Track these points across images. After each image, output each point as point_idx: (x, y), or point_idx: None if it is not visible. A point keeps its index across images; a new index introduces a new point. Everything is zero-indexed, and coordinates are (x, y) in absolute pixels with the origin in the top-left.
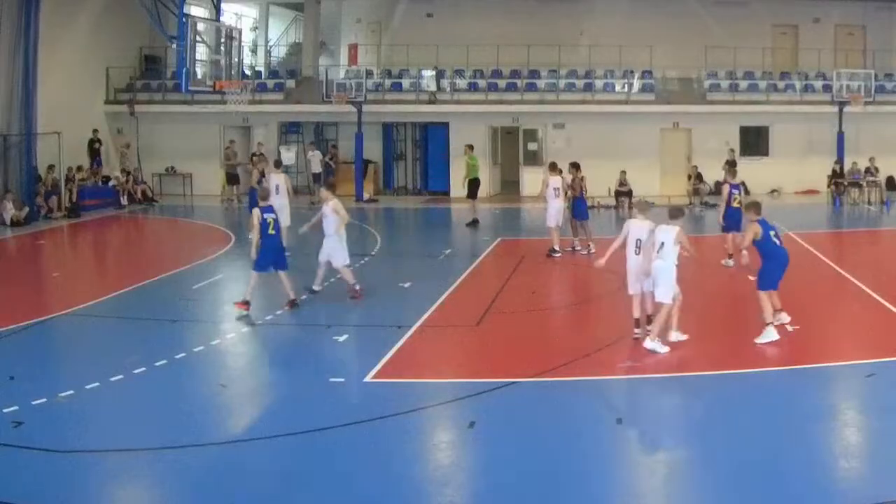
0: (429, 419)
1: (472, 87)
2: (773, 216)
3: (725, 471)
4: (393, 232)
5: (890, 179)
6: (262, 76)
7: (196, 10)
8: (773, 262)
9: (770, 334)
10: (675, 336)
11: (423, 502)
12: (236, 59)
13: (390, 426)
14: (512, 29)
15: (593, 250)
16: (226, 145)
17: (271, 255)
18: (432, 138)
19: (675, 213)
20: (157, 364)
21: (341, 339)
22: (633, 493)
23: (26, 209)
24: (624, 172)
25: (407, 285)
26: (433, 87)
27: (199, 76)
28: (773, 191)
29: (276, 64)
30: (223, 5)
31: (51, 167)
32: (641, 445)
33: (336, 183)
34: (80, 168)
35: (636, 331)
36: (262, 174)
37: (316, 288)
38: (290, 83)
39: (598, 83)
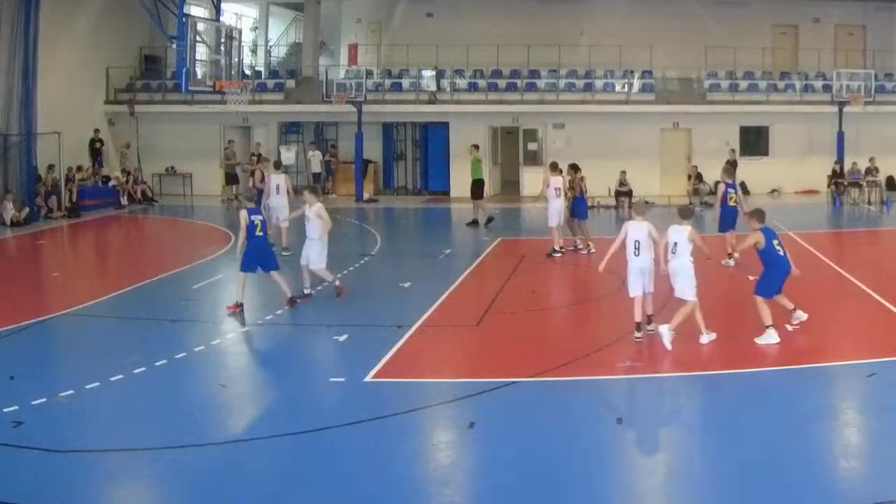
0: (429, 419)
1: (472, 87)
2: (774, 216)
3: (725, 471)
4: (393, 232)
5: (890, 179)
6: (262, 76)
7: (196, 10)
8: (773, 271)
9: (771, 336)
10: (707, 338)
11: (423, 502)
12: (236, 59)
13: (390, 426)
14: (512, 29)
15: (593, 250)
16: (225, 145)
17: (256, 256)
18: (432, 138)
19: (685, 212)
20: (157, 364)
21: (341, 339)
22: (634, 493)
23: (26, 209)
24: (624, 172)
25: (407, 285)
26: (433, 87)
27: (199, 76)
28: (773, 191)
29: (276, 64)
30: (223, 5)
31: (51, 167)
32: (641, 445)
33: (336, 183)
34: (80, 168)
35: (637, 334)
36: (263, 175)
37: (307, 291)
38: (290, 83)
39: (598, 83)
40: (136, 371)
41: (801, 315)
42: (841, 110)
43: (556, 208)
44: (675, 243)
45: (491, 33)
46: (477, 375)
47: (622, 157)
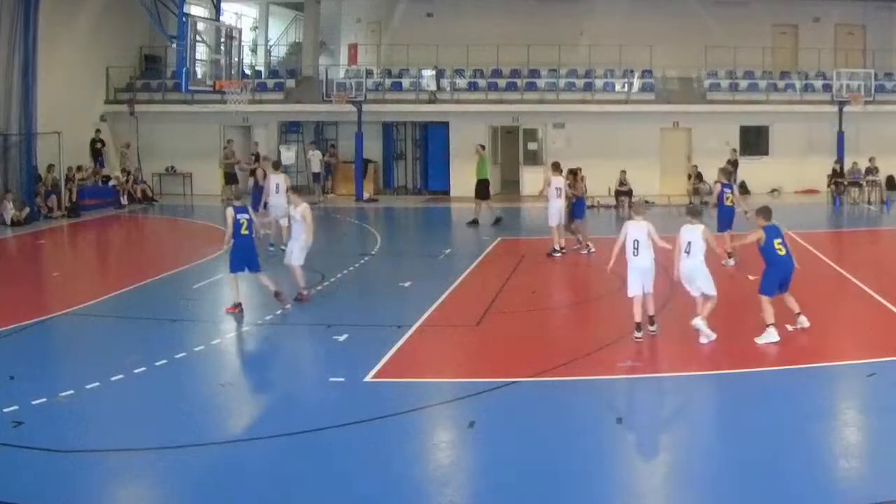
0: (429, 419)
1: (472, 87)
2: (774, 216)
3: (725, 471)
4: (393, 232)
5: (890, 179)
6: (262, 76)
7: (196, 10)
8: (772, 269)
9: (771, 335)
10: (706, 338)
11: (423, 502)
12: (236, 59)
13: (390, 426)
14: (512, 29)
15: (593, 250)
16: (224, 145)
17: (243, 255)
18: (432, 138)
19: (696, 211)
20: (157, 364)
21: (341, 339)
22: (634, 492)
23: (27, 209)
24: (624, 172)
25: (407, 285)
26: (433, 87)
27: (199, 76)
28: (773, 190)
29: (276, 64)
30: (223, 5)
31: (51, 167)
32: (641, 445)
33: (336, 182)
34: (80, 168)
35: (637, 334)
36: (265, 173)
37: (304, 291)
38: (290, 83)
39: (598, 83)
40: (136, 371)
41: (804, 321)
42: (841, 110)
43: (557, 208)
44: (689, 242)
45: (491, 33)
46: (477, 375)
47: (622, 157)
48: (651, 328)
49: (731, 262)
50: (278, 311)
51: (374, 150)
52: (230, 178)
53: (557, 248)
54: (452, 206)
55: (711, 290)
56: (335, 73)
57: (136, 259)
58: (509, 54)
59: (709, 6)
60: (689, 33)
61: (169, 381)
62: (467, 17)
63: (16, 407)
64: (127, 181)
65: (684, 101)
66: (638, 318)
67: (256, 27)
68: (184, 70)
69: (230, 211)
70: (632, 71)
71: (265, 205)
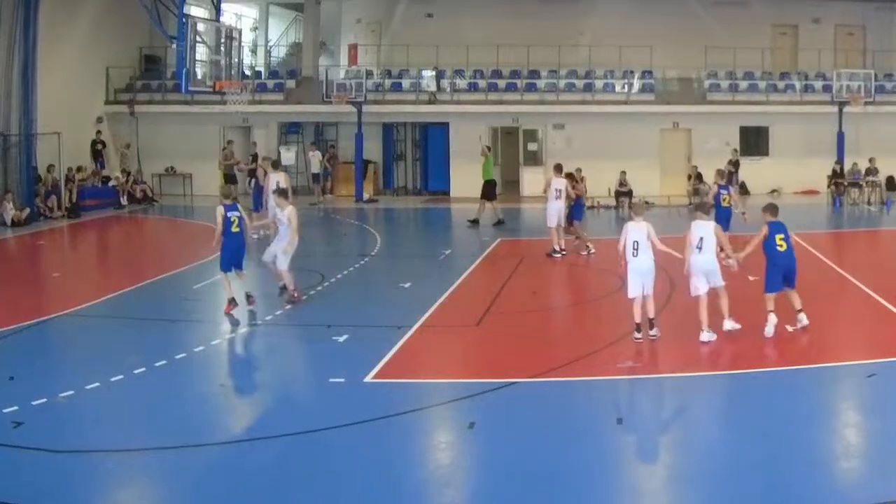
0: (429, 420)
1: (472, 87)
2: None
3: (725, 471)
4: (393, 232)
5: (890, 179)
6: (262, 76)
7: (196, 11)
8: (771, 266)
9: (770, 321)
10: (707, 336)
11: (423, 502)
12: (236, 60)
13: (390, 426)
14: (512, 29)
15: (593, 251)
16: (223, 146)
17: (233, 253)
18: (432, 138)
19: (706, 208)
20: (157, 364)
21: (341, 339)
22: (634, 493)
23: (27, 210)
24: (624, 173)
25: (407, 285)
26: (433, 88)
27: (199, 76)
28: (773, 191)
29: (276, 64)
30: (223, 5)
31: (50, 167)
32: (641, 446)
33: (336, 183)
34: (79, 168)
35: (636, 335)
36: (266, 172)
37: (295, 293)
38: (290, 83)
39: (598, 83)
40: (136, 371)
41: (804, 319)
42: (841, 110)
43: (556, 209)
44: (701, 238)
45: (491, 33)
46: (477, 376)
47: (622, 158)
48: (651, 332)
49: (732, 261)
50: (278, 312)
51: (373, 150)
52: (230, 178)
53: (557, 248)
54: (452, 206)
55: (720, 281)
56: (335, 74)
57: (136, 260)
58: (509, 55)
59: (709, 6)
60: (689, 34)
61: (169, 381)
62: (467, 17)
63: (16, 407)
64: (127, 182)
65: (684, 101)
66: (638, 319)
67: (256, 28)
68: (184, 71)
69: (220, 209)
70: (632, 71)
71: (266, 204)
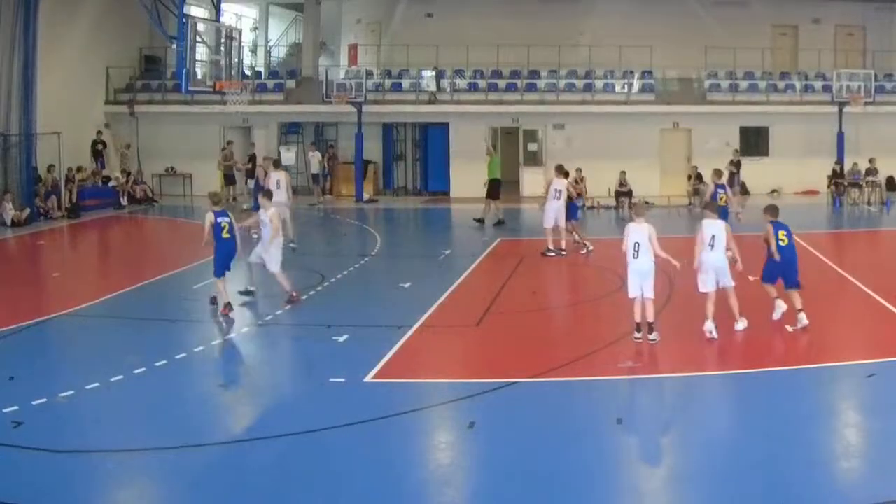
0: (429, 420)
1: (472, 87)
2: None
3: (725, 471)
4: (393, 232)
5: (890, 179)
6: (262, 76)
7: (196, 11)
8: (770, 260)
9: (778, 308)
10: (710, 325)
11: (423, 502)
12: (236, 60)
13: (390, 426)
14: (512, 29)
15: (591, 248)
16: (223, 146)
17: (226, 258)
18: (432, 138)
19: (714, 206)
20: (157, 364)
21: (341, 339)
22: (634, 493)
23: (27, 210)
24: (624, 173)
25: (407, 285)
26: (433, 88)
27: (199, 76)
28: (773, 191)
29: (276, 64)
30: (223, 5)
31: (50, 167)
32: (641, 446)
33: (336, 183)
34: (79, 168)
35: (636, 334)
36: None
37: (251, 288)
38: (290, 83)
39: (598, 83)
40: (136, 371)
41: (804, 318)
42: (841, 110)
43: (554, 209)
44: (713, 236)
45: (491, 33)
46: (477, 376)
47: (622, 158)
48: (651, 337)
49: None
50: (278, 312)
51: (373, 150)
52: (229, 179)
53: (552, 247)
54: (452, 206)
55: (730, 281)
56: (335, 74)
57: (136, 260)
58: (509, 55)
59: (709, 6)
60: (689, 34)
61: (169, 381)
62: (467, 17)
63: (16, 407)
64: (127, 182)
65: (684, 101)
66: (637, 319)
67: (256, 28)
68: (184, 71)
69: (209, 215)
70: (632, 72)
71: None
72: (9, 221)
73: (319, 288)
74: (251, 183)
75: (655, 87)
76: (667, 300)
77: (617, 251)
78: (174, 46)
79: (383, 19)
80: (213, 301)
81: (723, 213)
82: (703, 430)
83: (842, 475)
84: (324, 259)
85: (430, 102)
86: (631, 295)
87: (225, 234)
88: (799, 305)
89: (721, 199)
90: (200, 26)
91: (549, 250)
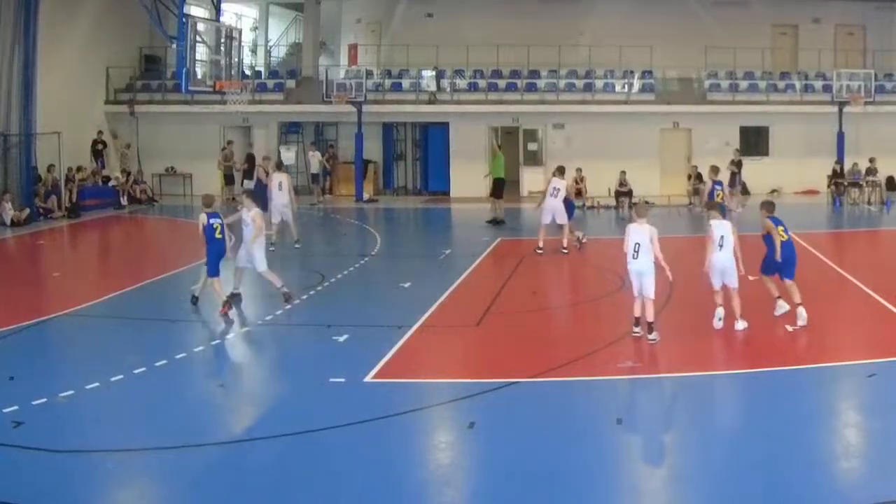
0: (429, 419)
1: (472, 87)
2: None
3: (725, 471)
4: (393, 232)
5: (890, 179)
6: (262, 76)
7: (196, 10)
8: (771, 254)
9: (781, 308)
10: (718, 316)
11: (423, 502)
12: (236, 59)
13: (390, 426)
14: (512, 29)
15: (584, 240)
16: (223, 146)
17: (219, 258)
18: (432, 138)
19: (718, 207)
20: (157, 364)
21: (341, 339)
22: (634, 493)
23: (27, 210)
24: (624, 173)
25: (407, 285)
26: (433, 88)
27: (199, 76)
28: (773, 191)
29: (276, 64)
30: (223, 5)
31: (50, 167)
32: (641, 445)
33: (336, 183)
34: (79, 168)
35: (635, 329)
36: (267, 173)
37: (236, 291)
38: (290, 83)
39: (598, 83)
40: (135, 371)
41: (803, 313)
42: (841, 110)
43: (551, 207)
44: (722, 236)
45: (491, 33)
46: (477, 376)
47: (622, 157)
48: (650, 336)
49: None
50: (278, 312)
51: (373, 150)
52: (229, 179)
53: (541, 244)
54: (452, 206)
55: (735, 282)
56: (335, 74)
57: (136, 260)
58: (509, 54)
59: (709, 6)
60: (689, 33)
61: (169, 381)
62: (467, 17)
63: (16, 407)
64: (127, 182)
65: (684, 101)
66: (637, 314)
67: (256, 28)
68: (184, 70)
69: (202, 217)
70: (632, 71)
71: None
72: (8, 221)
73: (319, 288)
74: (248, 183)
75: (655, 87)
76: (667, 300)
77: (617, 251)
78: (174, 46)
79: (383, 19)
80: (195, 300)
81: (721, 211)
82: (703, 430)
83: (842, 475)
84: (324, 259)
85: (430, 102)
86: (634, 293)
87: (217, 235)
88: (798, 299)
89: (718, 195)
90: (200, 26)
91: (539, 248)
